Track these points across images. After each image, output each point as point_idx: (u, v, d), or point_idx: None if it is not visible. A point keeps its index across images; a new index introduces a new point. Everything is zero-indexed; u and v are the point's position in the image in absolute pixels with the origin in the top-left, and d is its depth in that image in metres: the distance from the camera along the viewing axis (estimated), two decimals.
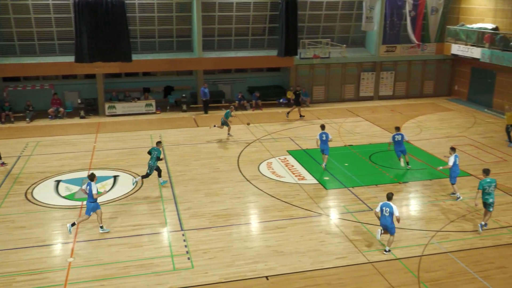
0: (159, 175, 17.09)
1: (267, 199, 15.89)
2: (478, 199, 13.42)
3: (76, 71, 26.36)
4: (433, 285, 11.14)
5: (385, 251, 12.52)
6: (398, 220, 12.28)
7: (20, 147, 21.15)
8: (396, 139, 18.06)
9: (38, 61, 25.66)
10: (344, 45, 28.23)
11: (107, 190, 15.52)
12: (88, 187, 13.29)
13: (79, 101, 26.46)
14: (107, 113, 26.49)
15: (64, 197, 16.08)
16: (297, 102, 25.79)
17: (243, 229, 14.00)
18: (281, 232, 13.67)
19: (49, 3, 25.11)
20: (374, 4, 28.69)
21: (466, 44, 28.46)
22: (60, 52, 26.51)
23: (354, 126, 24.24)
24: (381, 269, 11.78)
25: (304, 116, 25.96)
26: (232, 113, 22.23)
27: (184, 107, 27.51)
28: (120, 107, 26.68)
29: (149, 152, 16.62)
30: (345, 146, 21.14)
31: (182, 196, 16.08)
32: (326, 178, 17.68)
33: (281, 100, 28.70)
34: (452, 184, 15.72)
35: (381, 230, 12.54)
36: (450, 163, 15.36)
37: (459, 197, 15.64)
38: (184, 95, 27.72)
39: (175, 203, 15.53)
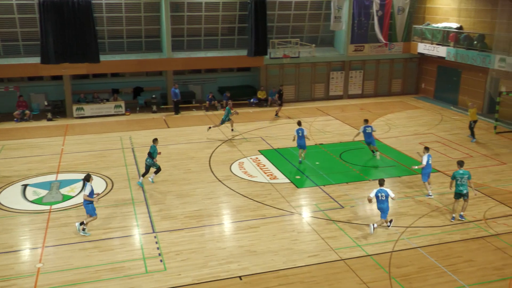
0: (143, 174, 17.02)
1: (240, 199, 15.89)
2: (452, 187, 14.39)
3: (42, 73, 25.83)
4: (403, 280, 11.34)
5: (373, 226, 13.38)
6: (393, 199, 13.50)
7: None
8: (366, 131, 19.02)
9: (3, 63, 25.02)
10: (313, 45, 28.49)
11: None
12: (85, 188, 13.44)
13: (46, 103, 25.94)
14: (75, 115, 26.02)
15: (31, 202, 15.72)
16: (280, 101, 26.75)
17: (216, 229, 13.96)
18: (254, 231, 13.69)
19: (12, 3, 24.50)
20: (342, 4, 29.01)
21: (432, 43, 29.08)
22: (25, 53, 25.90)
23: (325, 125, 24.46)
24: (353, 266, 11.92)
25: (278, 117, 26.26)
26: (232, 111, 22.51)
27: (154, 108, 27.26)
28: (89, 108, 26.26)
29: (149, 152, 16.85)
30: (316, 144, 21.31)
31: (154, 198, 15.93)
32: (298, 177, 17.80)
33: (252, 100, 28.74)
34: (424, 182, 16.07)
35: (373, 224, 13.35)
36: (424, 162, 15.71)
37: (430, 195, 16.01)
38: (154, 96, 27.47)
39: (147, 205, 15.38)
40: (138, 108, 27.58)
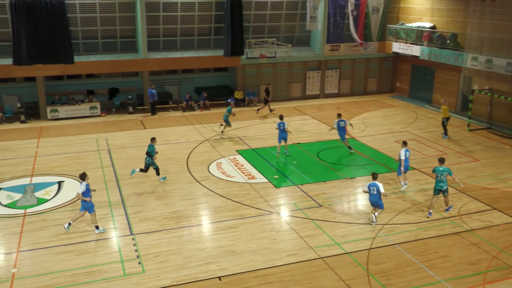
0: (142, 170, 17.10)
1: (218, 199, 15.86)
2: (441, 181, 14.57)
3: (15, 74, 25.34)
4: (381, 277, 11.47)
5: (374, 218, 13.95)
6: (385, 195, 13.86)
7: None
8: (340, 125, 19.94)
9: None
10: (290, 45, 28.60)
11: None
12: (80, 186, 13.44)
13: (19, 105, 25.46)
14: (49, 117, 25.60)
15: (5, 206, 15.41)
16: (265, 100, 27.08)
17: (194, 230, 13.90)
18: (233, 232, 13.68)
19: None
20: (318, 4, 29.20)
21: (406, 42, 29.50)
22: None
23: (302, 124, 24.57)
24: (331, 264, 12.00)
25: (257, 113, 26.70)
26: (233, 110, 22.72)
27: (131, 109, 27.01)
28: (63, 110, 25.86)
29: (148, 152, 16.98)
30: (293, 144, 21.39)
31: (131, 199, 15.78)
32: (276, 176, 17.84)
33: (229, 100, 28.69)
34: (398, 175, 16.47)
35: (374, 215, 13.98)
36: (402, 156, 16.09)
37: (404, 187, 16.44)
38: (130, 97, 27.21)
39: (124, 207, 15.23)
40: (114, 109, 27.28)
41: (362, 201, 15.93)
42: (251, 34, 29.41)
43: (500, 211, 14.85)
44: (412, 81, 30.91)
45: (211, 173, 18.08)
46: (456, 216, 14.55)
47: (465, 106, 25.67)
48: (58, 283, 11.25)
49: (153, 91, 26.28)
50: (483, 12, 23.42)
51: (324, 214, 14.71)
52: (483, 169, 18.44)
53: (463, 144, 21.51)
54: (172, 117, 26.40)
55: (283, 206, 15.39)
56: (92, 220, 13.64)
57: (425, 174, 17.88)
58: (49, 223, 14.09)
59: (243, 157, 19.83)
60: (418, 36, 28.50)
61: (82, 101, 26.60)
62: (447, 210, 14.80)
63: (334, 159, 19.68)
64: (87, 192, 13.33)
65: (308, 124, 24.74)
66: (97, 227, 13.59)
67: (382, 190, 13.71)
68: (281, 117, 20.21)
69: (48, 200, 15.82)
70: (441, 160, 14.72)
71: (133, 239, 13.25)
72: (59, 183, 17.21)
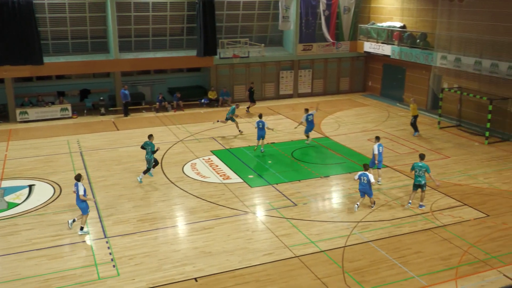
0: (154, 166, 17.46)
1: (193, 200, 15.78)
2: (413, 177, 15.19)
3: None
4: (356, 274, 11.60)
5: (357, 205, 14.86)
6: (373, 184, 14.84)
7: None
8: (309, 119, 21.03)
9: None
10: (263, 44, 28.66)
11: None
12: (75, 187, 13.36)
13: None
14: (18, 120, 25.05)
15: None
16: (252, 98, 27.34)
17: (170, 232, 13.80)
18: (208, 232, 13.63)
19: None
20: (290, 4, 29.33)
21: (377, 42, 29.89)
22: None
23: (276, 124, 24.64)
24: (307, 262, 12.08)
25: (248, 112, 27.10)
26: (236, 109, 23.24)
27: (103, 110, 26.65)
28: (33, 112, 25.35)
29: (143, 147, 17.16)
30: (267, 143, 21.44)
31: (104, 202, 15.57)
32: (251, 176, 17.86)
33: (203, 101, 28.60)
34: (371, 167, 16.76)
35: (357, 205, 14.81)
36: (375, 151, 16.54)
37: (379, 181, 16.90)
38: (101, 98, 26.85)
39: (97, 210, 15.01)
40: (85, 111, 26.87)
41: (336, 199, 16.09)
42: (224, 34, 29.35)
43: (471, 207, 15.18)
44: (384, 80, 31.33)
45: (185, 174, 17.99)
46: (428, 212, 14.82)
47: (436, 104, 26.16)
48: None
49: (126, 91, 25.99)
50: (451, 12, 23.90)
51: (299, 213, 14.79)
52: (453, 166, 18.82)
53: (434, 142, 21.92)
54: (145, 118, 26.16)
55: (259, 206, 15.42)
56: (81, 221, 13.57)
57: (398, 171, 18.16)
58: (20, 228, 13.80)
59: (218, 157, 19.79)
60: (388, 36, 28.92)
61: (53, 103, 26.12)
62: (420, 206, 15.05)
63: (309, 158, 19.82)
64: (84, 193, 13.40)
65: (282, 124, 24.83)
66: (81, 228, 13.49)
67: (372, 180, 14.62)
68: (260, 116, 20.73)
69: (19, 204, 15.48)
70: (421, 156, 15.21)
71: (107, 242, 13.08)
72: (30, 186, 16.87)
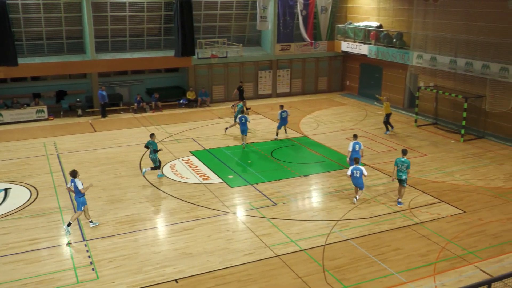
0: (158, 168, 17.56)
1: (173, 201, 15.70)
2: (394, 175, 15.39)
3: None
4: (336, 272, 11.68)
5: (355, 199, 15.37)
6: (365, 176, 15.27)
7: None
8: (282, 116, 21.93)
9: None
10: (241, 44, 28.66)
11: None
12: (72, 184, 13.47)
13: None
14: None
15: None
16: (242, 97, 27.23)
17: (149, 234, 13.70)
18: (189, 233, 13.58)
19: None
20: (267, 4, 29.39)
21: (354, 42, 30.14)
22: None
23: (255, 124, 24.65)
24: (288, 261, 12.12)
25: (249, 108, 26.98)
26: (245, 107, 23.53)
27: (80, 112, 26.32)
28: (8, 114, 24.88)
29: (146, 146, 17.36)
30: (247, 143, 21.44)
31: None
32: (230, 176, 17.84)
33: (181, 101, 28.46)
34: (350, 165, 16.96)
35: (355, 198, 15.35)
36: (349, 148, 16.88)
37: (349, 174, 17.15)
38: (78, 99, 26.52)
39: (75, 212, 14.79)
40: (62, 113, 26.50)
41: (315, 198, 16.18)
42: (202, 34, 29.27)
43: (448, 203, 15.43)
44: (361, 79, 31.62)
45: (165, 175, 17.87)
46: (406, 209, 15.01)
47: (412, 103, 26.51)
48: None
49: (103, 92, 25.71)
50: (426, 11, 24.24)
51: (279, 213, 14.84)
52: (430, 163, 19.10)
53: (411, 140, 22.20)
54: (124, 119, 25.92)
55: (239, 206, 15.41)
56: (72, 217, 13.71)
57: (376, 170, 18.34)
58: None
59: (197, 158, 19.72)
60: (365, 35, 29.20)
61: (28, 105, 25.69)
62: (398, 203, 15.25)
63: (288, 158, 19.89)
64: (77, 189, 13.51)
65: (261, 124, 24.87)
66: (69, 224, 13.52)
67: (365, 173, 15.16)
68: (242, 111, 21.75)
69: None
70: (404, 152, 15.50)
71: (85, 245, 12.93)
72: (6, 190, 16.56)
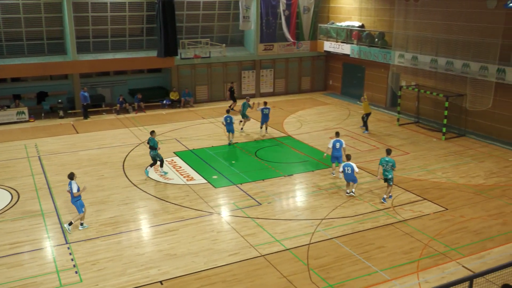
0: (151, 165, 17.81)
1: (157, 202, 15.62)
2: (379, 174, 15.56)
3: None
4: (321, 271, 11.73)
5: (352, 192, 15.90)
6: (357, 173, 15.63)
7: None
8: (264, 112, 22.35)
9: None
10: (224, 45, 28.62)
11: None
12: (69, 186, 13.57)
13: None
14: None
15: None
16: (233, 98, 27.64)
17: (134, 235, 13.61)
18: (173, 234, 13.52)
19: None
20: (250, 4, 29.39)
21: (336, 41, 30.30)
22: None
23: (239, 124, 24.61)
24: (272, 261, 12.14)
25: (233, 108, 27.17)
26: (250, 103, 23.64)
27: (61, 113, 26.03)
28: None
29: (148, 143, 17.61)
30: (231, 144, 21.42)
31: (65, 207, 15.20)
32: (215, 176, 17.80)
33: (164, 102, 28.31)
34: (332, 162, 17.64)
35: (348, 192, 15.87)
36: (330, 145, 17.29)
37: (334, 174, 17.67)
38: (60, 100, 26.21)
39: (58, 215, 14.66)
40: (43, 114, 26.19)
41: (300, 197, 16.23)
42: (185, 35, 29.15)
43: (430, 201, 15.60)
44: (344, 79, 31.79)
45: (148, 176, 17.77)
46: (389, 207, 15.14)
47: (395, 102, 26.74)
48: None
49: (86, 94, 25.46)
50: (407, 11, 24.47)
51: (264, 212, 14.85)
52: (413, 162, 19.29)
53: (393, 138, 22.39)
54: (106, 120, 25.71)
55: (223, 206, 15.39)
56: (75, 218, 13.82)
57: (360, 168, 18.42)
58: None
59: (181, 158, 19.64)
60: (348, 35, 29.37)
61: (8, 106, 25.32)
62: (383, 199, 15.43)
63: (272, 157, 19.91)
64: (78, 190, 13.64)
65: (246, 124, 24.80)
66: (70, 224, 13.67)
67: (356, 170, 15.48)
68: (227, 111, 21.67)
69: None
70: (388, 151, 15.68)
71: (68, 248, 12.79)
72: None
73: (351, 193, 15.90)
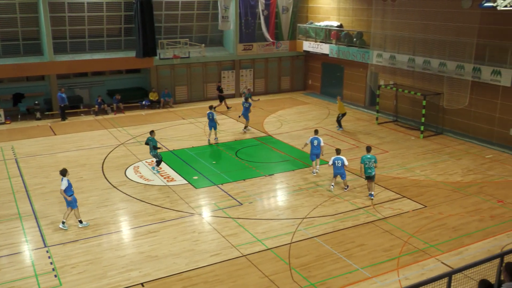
0: (158, 163, 18.07)
1: (137, 204, 15.49)
2: (362, 173, 15.68)
3: None
4: (303, 270, 11.78)
5: (346, 188, 16.26)
6: (347, 166, 16.05)
7: None
8: (245, 106, 23.08)
9: None
10: (203, 45, 28.55)
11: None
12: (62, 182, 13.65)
13: None
14: None
15: None
16: (221, 98, 27.84)
17: (114, 238, 13.48)
18: (154, 236, 13.43)
19: None
20: (229, 4, 29.36)
21: (315, 41, 30.46)
22: None
23: (220, 124, 24.57)
24: (254, 261, 12.15)
25: (231, 107, 27.76)
26: (253, 97, 24.33)
27: (38, 115, 25.64)
28: None
29: (147, 143, 17.84)
30: (211, 144, 21.38)
31: (43, 210, 14.99)
32: (195, 177, 17.74)
33: (144, 102, 28.11)
34: (312, 160, 17.89)
35: (332, 185, 16.26)
36: (307, 141, 17.72)
37: (315, 172, 17.85)
38: (36, 102, 25.81)
39: (36, 218, 14.44)
40: (19, 116, 25.75)
41: (281, 197, 16.28)
42: (163, 35, 28.98)
43: (409, 199, 15.79)
44: (323, 78, 31.98)
45: (128, 178, 17.62)
46: (369, 206, 15.28)
47: (373, 101, 27.00)
48: None
49: (63, 95, 25.12)
50: (385, 11, 24.70)
51: (245, 212, 14.85)
52: (392, 160, 19.50)
53: (372, 137, 22.60)
54: (84, 121, 25.41)
55: (204, 207, 15.35)
56: (76, 215, 13.85)
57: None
58: None
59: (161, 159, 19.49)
60: (326, 35, 29.55)
61: None
62: (370, 195, 15.70)
63: (252, 157, 19.93)
64: (69, 188, 13.59)
65: (225, 124, 24.81)
66: (80, 222, 13.78)
67: (346, 163, 15.94)
68: (210, 107, 21.64)
69: None
70: (368, 149, 15.91)
71: (47, 251, 12.61)
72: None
73: (345, 189, 16.26)
